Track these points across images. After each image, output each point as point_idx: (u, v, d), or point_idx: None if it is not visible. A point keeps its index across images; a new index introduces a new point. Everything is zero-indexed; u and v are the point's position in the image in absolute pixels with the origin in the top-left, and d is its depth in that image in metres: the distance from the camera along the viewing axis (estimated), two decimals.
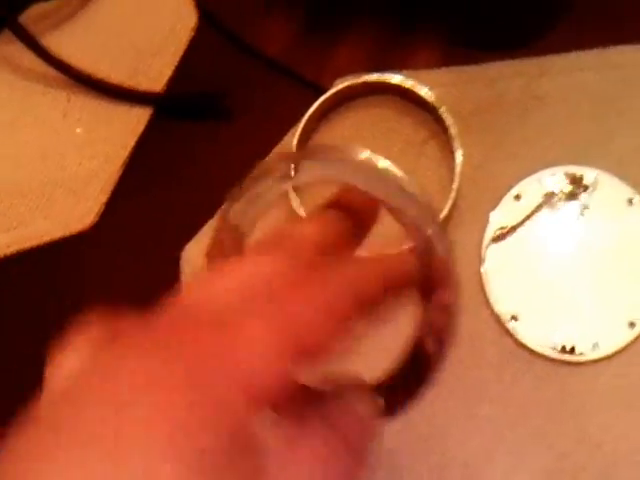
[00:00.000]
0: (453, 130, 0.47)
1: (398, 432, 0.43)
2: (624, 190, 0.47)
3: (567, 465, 0.43)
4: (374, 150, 0.47)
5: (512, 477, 0.43)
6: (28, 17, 0.55)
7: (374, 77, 0.49)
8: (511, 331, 0.45)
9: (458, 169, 0.46)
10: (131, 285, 0.49)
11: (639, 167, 0.47)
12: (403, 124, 0.50)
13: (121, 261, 0.50)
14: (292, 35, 0.52)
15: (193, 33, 0.53)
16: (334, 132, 0.50)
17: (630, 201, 0.47)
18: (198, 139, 0.51)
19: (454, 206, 0.46)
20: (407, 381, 0.27)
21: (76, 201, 0.49)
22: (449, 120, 0.47)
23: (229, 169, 0.44)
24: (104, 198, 0.49)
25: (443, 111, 0.47)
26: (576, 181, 0.48)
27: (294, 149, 0.48)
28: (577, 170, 0.47)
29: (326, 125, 0.50)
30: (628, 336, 0.44)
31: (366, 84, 0.49)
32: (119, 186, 0.50)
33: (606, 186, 0.47)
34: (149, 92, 0.51)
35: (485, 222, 0.47)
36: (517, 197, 0.47)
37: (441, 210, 0.46)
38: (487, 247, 0.46)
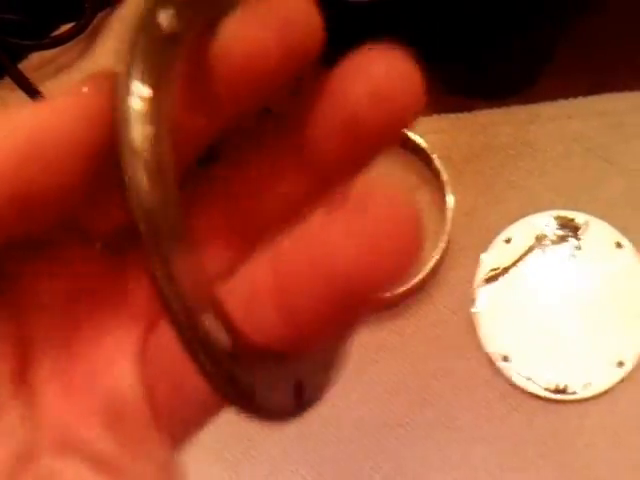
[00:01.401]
0: (444, 176, 0.49)
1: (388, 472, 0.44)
2: (613, 234, 0.48)
3: None
4: None
5: None
6: (28, 64, 0.57)
7: None
8: (502, 371, 0.46)
9: (449, 214, 0.48)
10: None
11: (627, 211, 0.49)
12: (394, 170, 0.51)
13: None
14: None
15: None
16: None
17: (619, 244, 0.48)
18: None
19: (446, 250, 0.48)
20: None
21: None
22: (440, 166, 0.49)
23: None
24: None
25: (435, 157, 0.49)
26: (567, 224, 0.49)
27: None
28: (567, 214, 0.48)
29: None
30: (617, 375, 0.45)
31: None
32: None
33: (596, 230, 0.48)
34: None
35: (477, 264, 0.48)
36: (507, 240, 0.49)
37: (433, 255, 0.47)
38: (479, 288, 0.48)
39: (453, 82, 0.54)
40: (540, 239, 0.49)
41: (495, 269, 0.48)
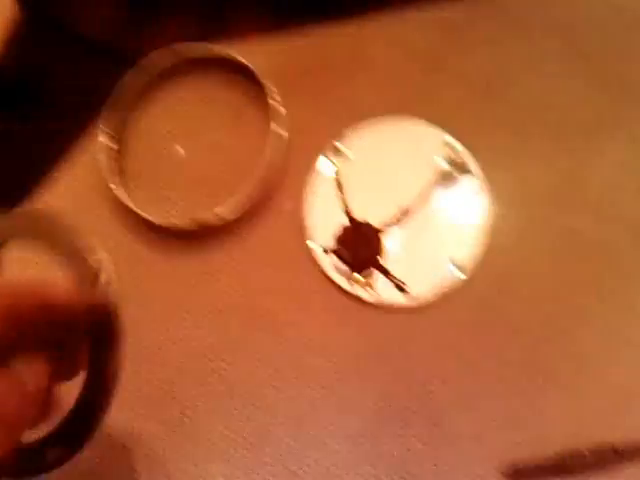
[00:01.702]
0: (270, 92, 0.48)
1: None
2: (442, 136, 0.47)
3: (396, 408, 0.43)
4: (198, 121, 0.48)
5: (343, 419, 0.43)
6: None
7: (191, 48, 0.49)
8: (336, 282, 0.45)
9: (275, 129, 0.47)
10: None
11: (458, 115, 0.48)
12: (224, 92, 0.50)
13: None
14: (115, 17, 0.52)
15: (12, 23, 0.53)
16: (152, 110, 0.51)
17: (450, 147, 0.47)
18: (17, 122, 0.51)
19: (278, 164, 0.47)
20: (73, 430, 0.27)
21: None
22: (267, 83, 0.48)
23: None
24: None
25: (259, 75, 0.48)
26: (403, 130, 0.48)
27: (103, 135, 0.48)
28: (403, 120, 0.48)
29: (148, 101, 0.51)
30: (453, 282, 0.45)
31: (177, 52, 0.49)
32: None
33: (427, 132, 0.48)
34: None
35: (310, 173, 0.47)
36: (337, 150, 0.48)
37: (262, 168, 0.46)
38: (310, 197, 0.47)
39: (283, 2, 0.53)
40: (376, 145, 0.48)
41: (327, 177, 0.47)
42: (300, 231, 0.47)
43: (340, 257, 0.46)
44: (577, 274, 0.44)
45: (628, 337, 0.43)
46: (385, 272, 0.45)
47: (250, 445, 0.43)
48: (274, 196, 0.47)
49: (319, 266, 0.46)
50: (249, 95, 0.50)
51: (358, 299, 0.45)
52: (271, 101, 0.48)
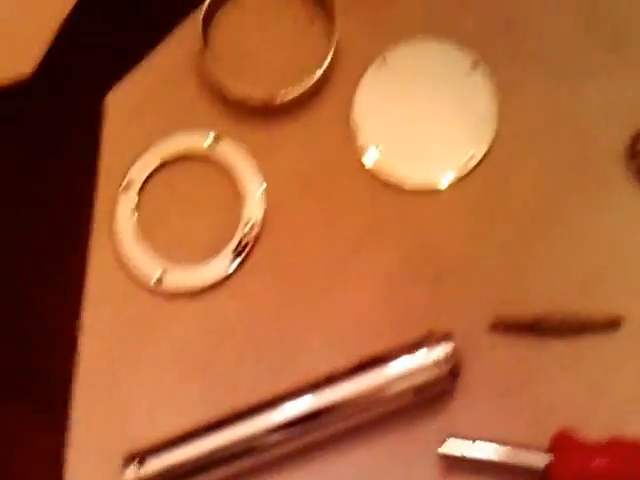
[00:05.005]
0: (333, 5, 0.58)
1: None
2: (467, 58, 0.58)
3: (408, 269, 0.54)
4: (269, 27, 0.59)
5: (366, 276, 0.54)
6: None
7: None
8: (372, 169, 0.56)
9: (335, 38, 0.58)
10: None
11: (482, 40, 0.59)
12: (294, 3, 0.60)
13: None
14: None
15: None
16: (235, 12, 0.61)
17: (474, 67, 0.58)
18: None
19: (332, 63, 0.58)
20: None
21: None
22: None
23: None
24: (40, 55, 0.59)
25: None
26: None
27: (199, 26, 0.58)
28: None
29: (227, 6, 0.61)
30: (470, 165, 0.56)
31: None
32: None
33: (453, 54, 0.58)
34: None
35: (358, 80, 0.59)
36: (383, 62, 0.59)
37: (322, 66, 0.57)
38: (358, 95, 0.58)
39: None
40: (413, 60, 0.58)
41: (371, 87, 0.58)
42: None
43: None
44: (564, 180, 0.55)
45: (594, 232, 0.54)
46: None
47: None
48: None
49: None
50: (316, 7, 0.60)
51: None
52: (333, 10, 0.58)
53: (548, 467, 0.46)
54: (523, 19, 0.59)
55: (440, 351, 0.49)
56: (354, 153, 0.57)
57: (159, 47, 0.60)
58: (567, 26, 0.59)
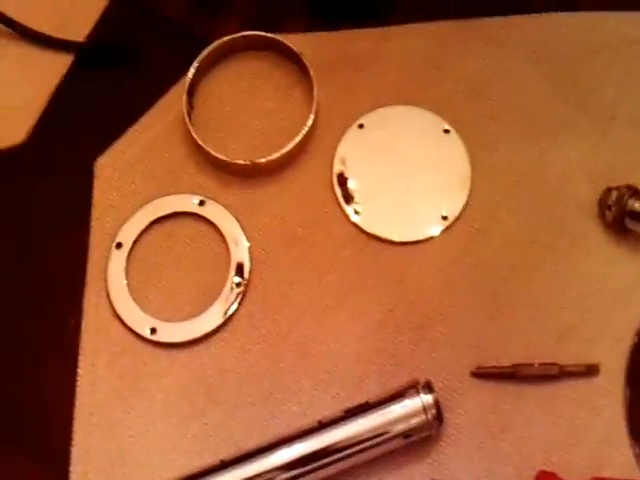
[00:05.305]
0: (313, 74, 0.61)
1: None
2: (441, 122, 0.62)
3: (392, 318, 0.56)
4: (251, 93, 0.62)
5: (353, 325, 0.56)
6: None
7: (251, 32, 0.63)
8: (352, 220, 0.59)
9: (315, 103, 0.61)
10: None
11: (453, 106, 0.62)
12: (275, 72, 0.64)
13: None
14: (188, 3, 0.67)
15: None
16: (219, 80, 0.64)
17: (446, 130, 0.62)
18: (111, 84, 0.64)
19: (312, 128, 0.61)
20: None
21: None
22: (310, 67, 0.62)
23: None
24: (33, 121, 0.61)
25: (305, 60, 0.62)
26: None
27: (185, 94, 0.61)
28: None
29: (212, 75, 0.64)
30: (442, 226, 0.59)
31: (244, 38, 0.63)
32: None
33: (427, 118, 0.62)
34: (71, 41, 0.64)
35: (337, 143, 0.62)
36: (360, 126, 0.62)
37: (301, 131, 0.60)
38: (339, 157, 0.61)
39: (322, 5, 0.67)
40: (389, 124, 0.62)
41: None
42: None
43: None
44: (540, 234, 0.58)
45: (571, 283, 0.57)
46: None
47: None
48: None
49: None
50: (295, 76, 0.64)
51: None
52: (313, 79, 0.61)
53: None
54: (490, 84, 0.63)
55: (424, 399, 0.50)
56: (336, 210, 0.60)
57: (147, 114, 0.63)
58: (534, 88, 0.63)
